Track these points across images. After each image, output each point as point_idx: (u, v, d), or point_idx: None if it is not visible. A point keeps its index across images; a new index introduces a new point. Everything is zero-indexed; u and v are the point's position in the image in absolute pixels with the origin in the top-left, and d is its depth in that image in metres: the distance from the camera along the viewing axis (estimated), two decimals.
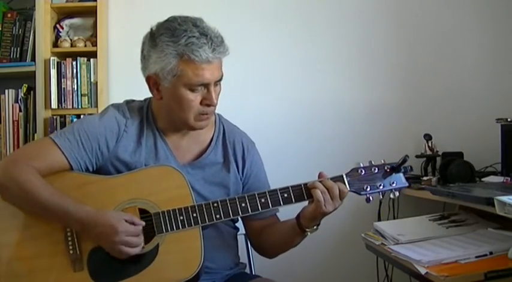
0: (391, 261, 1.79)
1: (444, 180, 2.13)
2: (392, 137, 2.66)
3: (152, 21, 2.94)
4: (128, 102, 1.64)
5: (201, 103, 1.51)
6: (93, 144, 1.52)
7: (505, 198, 1.47)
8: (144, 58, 1.55)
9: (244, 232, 1.77)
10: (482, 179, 2.16)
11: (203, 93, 1.51)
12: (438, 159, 2.44)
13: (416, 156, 2.49)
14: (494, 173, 2.23)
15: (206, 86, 1.50)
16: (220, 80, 1.53)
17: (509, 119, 2.19)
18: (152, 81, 1.54)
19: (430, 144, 2.47)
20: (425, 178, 2.26)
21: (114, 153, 1.55)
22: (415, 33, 2.70)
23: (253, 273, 1.86)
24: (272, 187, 1.70)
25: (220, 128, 1.68)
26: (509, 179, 2.01)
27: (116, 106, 1.62)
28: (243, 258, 1.80)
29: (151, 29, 1.55)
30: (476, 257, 1.52)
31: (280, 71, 2.71)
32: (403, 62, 2.70)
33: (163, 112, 1.59)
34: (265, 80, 2.71)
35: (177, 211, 1.46)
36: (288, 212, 1.62)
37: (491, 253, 1.53)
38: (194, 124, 1.55)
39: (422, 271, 1.49)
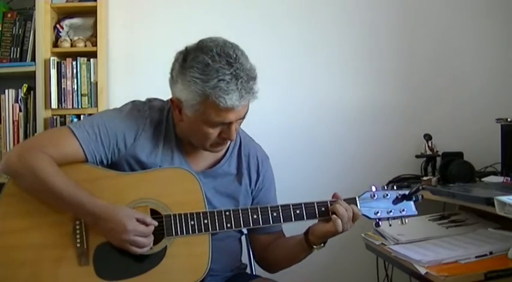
0: (391, 261, 1.79)
1: (444, 180, 2.13)
2: (393, 137, 2.66)
3: (152, 21, 2.95)
4: (150, 101, 1.62)
5: (219, 135, 1.49)
6: (111, 140, 1.51)
7: (505, 198, 1.47)
8: (172, 79, 1.50)
9: (244, 232, 1.77)
10: (482, 179, 2.16)
11: (223, 128, 1.48)
12: (438, 159, 2.44)
13: (416, 156, 2.49)
14: (494, 173, 2.23)
15: (227, 123, 1.47)
16: (244, 116, 1.49)
17: (509, 119, 2.19)
18: (175, 104, 1.51)
19: (430, 144, 2.47)
20: (425, 178, 2.26)
21: (131, 151, 1.53)
22: (416, 33, 2.70)
23: (254, 273, 1.86)
24: (277, 187, 1.73)
25: (237, 140, 1.65)
26: (509, 179, 2.01)
27: (136, 104, 1.60)
28: (244, 259, 1.80)
29: (186, 49, 1.48)
30: (476, 257, 1.53)
31: (282, 72, 2.70)
32: (403, 63, 2.69)
33: (182, 127, 1.56)
34: (267, 81, 2.70)
35: (188, 215, 1.46)
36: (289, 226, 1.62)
37: (491, 253, 1.54)
38: (209, 149, 1.55)
39: (422, 271, 1.49)
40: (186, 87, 1.43)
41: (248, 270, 1.81)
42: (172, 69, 1.50)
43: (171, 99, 1.53)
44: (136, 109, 1.57)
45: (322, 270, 2.65)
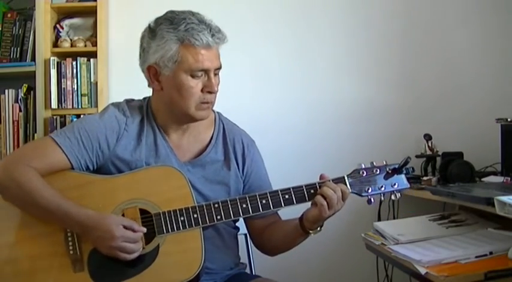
0: (391, 261, 1.79)
1: (444, 180, 2.13)
2: (393, 137, 2.66)
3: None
4: (128, 101, 1.64)
5: (201, 90, 1.52)
6: (94, 143, 1.52)
7: (505, 198, 1.47)
8: (143, 51, 1.55)
9: (244, 232, 1.77)
10: (482, 179, 2.16)
11: (204, 81, 1.51)
12: (438, 159, 2.44)
13: (417, 156, 2.48)
14: (494, 173, 2.23)
15: (206, 72, 1.51)
16: (219, 68, 1.55)
17: (509, 119, 2.19)
18: (152, 72, 1.54)
19: (430, 144, 2.47)
20: (425, 178, 2.26)
21: (114, 152, 1.54)
22: (416, 33, 2.70)
23: (254, 273, 1.86)
24: (273, 187, 1.71)
25: (220, 126, 1.68)
26: (509, 179, 2.01)
27: (116, 105, 1.62)
28: (243, 258, 1.80)
29: (149, 24, 1.56)
30: (476, 257, 1.52)
31: (280, 71, 2.71)
32: (403, 62, 2.70)
33: (163, 106, 1.58)
34: (264, 80, 2.71)
35: (177, 212, 1.46)
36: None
37: (491, 253, 1.54)
38: (195, 113, 1.54)
39: (422, 271, 1.49)
40: (159, 41, 1.49)
41: (248, 270, 1.81)
42: (141, 45, 1.57)
43: (147, 69, 1.55)
44: (116, 110, 1.59)
45: (322, 270, 2.66)
